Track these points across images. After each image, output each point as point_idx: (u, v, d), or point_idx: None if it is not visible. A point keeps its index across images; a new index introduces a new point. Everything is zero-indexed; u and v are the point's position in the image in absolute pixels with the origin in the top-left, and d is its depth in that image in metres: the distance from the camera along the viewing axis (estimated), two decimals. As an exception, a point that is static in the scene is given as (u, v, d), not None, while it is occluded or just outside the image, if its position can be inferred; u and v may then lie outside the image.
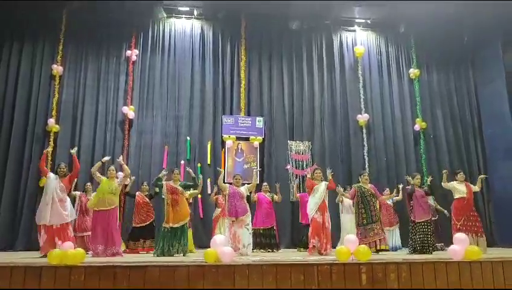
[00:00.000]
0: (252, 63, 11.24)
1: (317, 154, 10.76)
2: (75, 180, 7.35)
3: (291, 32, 11.36)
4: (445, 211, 8.82)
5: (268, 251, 8.18)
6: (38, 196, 8.67)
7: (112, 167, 6.91)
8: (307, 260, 4.91)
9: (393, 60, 11.92)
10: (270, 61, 11.34)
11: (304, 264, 4.42)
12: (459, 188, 7.36)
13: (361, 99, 11.28)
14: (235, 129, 10.59)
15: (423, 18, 10.60)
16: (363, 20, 11.72)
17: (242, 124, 10.64)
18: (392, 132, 11.30)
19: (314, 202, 6.84)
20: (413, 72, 11.68)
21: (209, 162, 10.31)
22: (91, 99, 10.36)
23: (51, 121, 9.87)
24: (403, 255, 6.82)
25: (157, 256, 6.44)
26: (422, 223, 7.14)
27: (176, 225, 6.62)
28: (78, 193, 8.26)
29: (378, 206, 7.62)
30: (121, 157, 7.40)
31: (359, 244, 5.01)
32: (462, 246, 4.88)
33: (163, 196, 6.87)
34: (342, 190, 8.22)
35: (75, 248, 4.70)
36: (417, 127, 11.29)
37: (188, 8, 11.19)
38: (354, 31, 11.88)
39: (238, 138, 10.58)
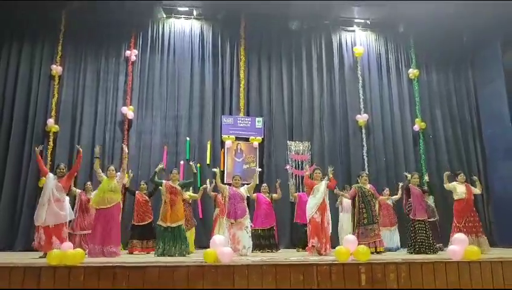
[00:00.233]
0: (251, 63, 11.23)
1: (316, 154, 10.76)
2: (75, 174, 7.35)
3: (290, 33, 11.35)
4: (437, 217, 8.72)
5: (268, 252, 8.17)
6: (38, 196, 8.60)
7: (112, 167, 6.92)
8: (307, 260, 4.91)
9: (393, 60, 11.91)
10: (270, 62, 11.33)
11: (304, 265, 4.42)
12: (459, 190, 7.38)
13: (361, 100, 11.28)
14: (234, 129, 10.59)
15: (422, 18, 10.59)
16: (363, 20, 11.71)
17: (241, 124, 10.64)
18: (391, 132, 11.30)
19: (314, 202, 6.83)
20: (413, 72, 11.68)
21: (208, 162, 10.31)
22: (90, 100, 10.36)
23: (50, 121, 9.87)
24: (402, 255, 6.82)
25: (158, 256, 6.44)
26: (422, 222, 7.14)
27: (173, 225, 6.63)
28: (78, 190, 8.25)
29: (377, 208, 7.61)
30: (125, 148, 7.34)
31: (359, 243, 5.01)
32: (461, 246, 4.89)
33: (162, 196, 6.88)
34: (340, 192, 8.26)
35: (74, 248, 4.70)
36: (416, 127, 11.29)
37: (187, 8, 11.18)
38: (354, 31, 11.87)
39: (237, 138, 10.58)
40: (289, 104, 11.12)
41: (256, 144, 10.62)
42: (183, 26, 11.28)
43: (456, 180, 7.53)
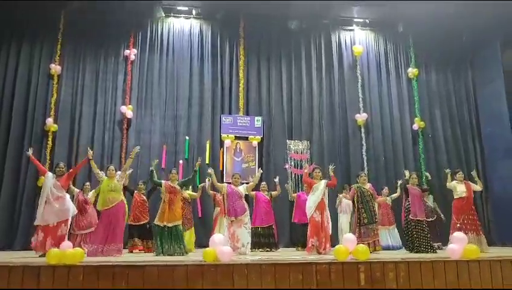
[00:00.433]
0: (250, 62, 11.23)
1: (315, 153, 10.76)
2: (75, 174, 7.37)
3: (289, 32, 11.34)
4: (442, 216, 8.84)
5: (267, 250, 8.17)
6: (37, 196, 8.66)
7: (112, 167, 6.91)
8: (306, 259, 4.91)
9: (392, 59, 11.92)
10: (269, 61, 11.33)
11: (303, 264, 4.42)
12: (458, 188, 7.39)
13: (360, 99, 11.28)
14: (233, 128, 10.58)
15: (422, 18, 10.59)
16: (362, 20, 11.71)
17: (241, 124, 10.64)
18: (390, 131, 11.31)
19: (313, 200, 6.83)
20: (412, 71, 11.68)
21: (207, 161, 10.30)
22: (89, 99, 10.35)
23: (49, 120, 9.86)
24: (401, 254, 6.82)
25: (157, 255, 6.45)
26: (421, 222, 7.15)
27: (170, 224, 6.63)
28: (76, 190, 8.23)
29: (377, 207, 7.61)
30: (137, 148, 7.26)
31: (359, 243, 5.02)
32: (460, 245, 4.89)
33: (161, 195, 6.88)
34: (340, 196, 8.32)
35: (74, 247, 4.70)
36: (416, 126, 11.30)
37: (186, 8, 11.17)
38: (353, 30, 11.87)
39: (236, 137, 10.58)
40: (288, 103, 11.12)
41: (255, 143, 10.62)
42: (183, 26, 11.27)
43: (455, 179, 7.54)
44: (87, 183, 8.43)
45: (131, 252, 7.81)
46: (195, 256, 5.87)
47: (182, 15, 11.29)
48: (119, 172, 6.97)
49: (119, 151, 10.13)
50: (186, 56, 11.00)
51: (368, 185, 7.52)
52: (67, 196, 6.62)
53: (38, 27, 10.47)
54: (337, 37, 11.79)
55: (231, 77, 11.04)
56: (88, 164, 9.26)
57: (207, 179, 8.67)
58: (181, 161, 10.11)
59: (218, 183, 7.43)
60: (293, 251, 8.55)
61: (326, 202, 7.02)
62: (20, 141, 9.75)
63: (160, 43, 11.04)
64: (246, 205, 7.11)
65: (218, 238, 4.81)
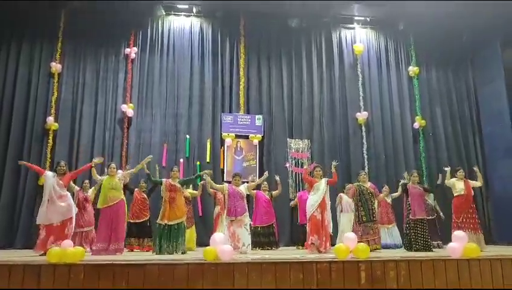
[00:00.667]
0: (251, 61, 11.22)
1: (316, 152, 10.76)
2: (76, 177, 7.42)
3: (290, 30, 11.33)
4: (441, 214, 8.87)
5: (268, 249, 8.17)
6: (38, 194, 8.69)
7: (113, 165, 6.90)
8: (306, 257, 4.91)
9: (393, 57, 11.90)
10: (269, 59, 11.31)
11: (303, 262, 4.42)
12: (458, 186, 7.40)
13: (361, 97, 11.26)
14: (234, 127, 10.58)
15: (422, 16, 10.58)
16: (363, 18, 11.69)
17: (241, 122, 10.64)
18: (391, 129, 11.30)
19: (314, 199, 6.83)
20: (413, 70, 11.66)
21: (208, 160, 10.31)
22: (90, 97, 10.36)
23: (50, 119, 9.87)
24: (402, 252, 6.82)
25: (157, 254, 6.45)
26: (419, 221, 7.16)
27: (171, 223, 6.63)
28: (77, 187, 8.23)
29: (376, 206, 7.59)
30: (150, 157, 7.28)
31: (358, 241, 5.01)
32: (460, 244, 4.89)
33: (161, 194, 6.88)
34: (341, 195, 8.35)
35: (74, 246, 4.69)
36: (416, 125, 11.29)
37: (187, 6, 11.16)
38: (354, 28, 11.86)
39: (237, 136, 10.58)
40: (289, 101, 11.11)
41: (256, 141, 10.62)
42: (183, 24, 11.26)
43: (456, 177, 7.54)
44: (87, 181, 8.44)
45: (132, 250, 7.81)
46: (195, 255, 5.87)
47: (182, 13, 11.28)
48: (120, 170, 6.96)
49: (120, 149, 10.13)
50: (186, 54, 10.99)
51: (369, 184, 7.51)
52: (69, 195, 6.62)
53: (38, 25, 10.47)
54: (337, 35, 11.78)
55: (232, 75, 11.04)
56: (90, 161, 9.36)
57: (207, 172, 8.61)
58: (181, 160, 10.12)
59: (218, 185, 7.43)
60: (294, 249, 8.55)
61: (328, 201, 7.00)
62: (21, 139, 9.78)
63: (161, 42, 11.03)
64: (246, 206, 7.07)
65: (218, 237, 4.81)
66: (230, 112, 10.81)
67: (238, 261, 4.45)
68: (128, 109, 10.27)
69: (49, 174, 6.55)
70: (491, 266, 4.60)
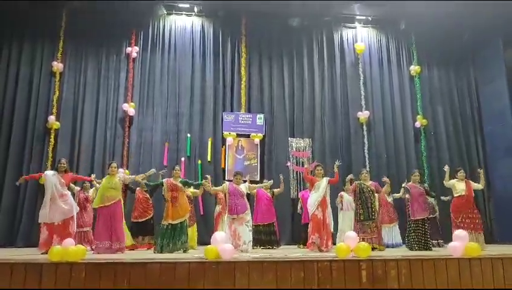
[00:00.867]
0: (252, 60, 11.22)
1: (317, 151, 10.76)
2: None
3: (291, 29, 11.33)
4: (437, 214, 8.88)
5: (269, 248, 8.18)
6: (39, 193, 8.72)
7: (114, 164, 6.89)
8: (307, 256, 4.91)
9: (394, 56, 11.88)
10: (271, 58, 11.32)
11: (304, 261, 4.41)
12: (458, 186, 7.34)
13: (362, 96, 11.26)
14: (235, 126, 10.59)
15: (424, 15, 10.57)
16: (364, 17, 11.69)
17: (242, 121, 10.64)
18: (392, 128, 11.29)
19: (315, 198, 6.82)
20: (414, 69, 11.65)
21: (209, 159, 10.32)
22: (91, 96, 10.38)
23: (52, 118, 9.89)
24: (402, 251, 6.81)
25: (158, 253, 6.45)
26: (419, 221, 7.15)
27: (175, 222, 6.64)
28: (77, 188, 8.25)
29: (377, 205, 7.56)
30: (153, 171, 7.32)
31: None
32: (461, 243, 4.89)
33: (163, 193, 6.88)
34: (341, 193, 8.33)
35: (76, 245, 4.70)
36: (418, 124, 11.28)
37: (188, 5, 11.17)
38: (355, 27, 11.85)
39: (238, 135, 10.59)
40: (290, 101, 11.12)
41: (257, 140, 10.63)
42: (184, 23, 11.27)
43: (456, 177, 7.49)
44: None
45: (133, 249, 7.82)
46: (197, 253, 5.88)
47: (183, 12, 11.29)
48: (121, 169, 6.96)
49: (121, 148, 10.14)
50: (188, 54, 11.00)
51: (370, 182, 7.46)
52: (69, 193, 6.63)
53: (40, 25, 10.50)
54: (339, 34, 11.77)
55: (233, 74, 11.04)
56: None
57: (209, 177, 8.63)
58: (183, 159, 10.13)
59: (218, 187, 7.44)
60: (295, 248, 8.56)
61: (328, 199, 7.00)
62: (23, 138, 9.81)
63: (162, 41, 11.05)
64: (247, 204, 7.08)
65: (219, 236, 4.81)
66: (231, 111, 10.81)
67: (239, 260, 4.45)
68: (130, 108, 10.29)
69: (49, 173, 6.55)
70: (492, 266, 4.59)
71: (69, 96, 10.26)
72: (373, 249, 6.81)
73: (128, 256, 5.45)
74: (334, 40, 11.66)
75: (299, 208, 9.10)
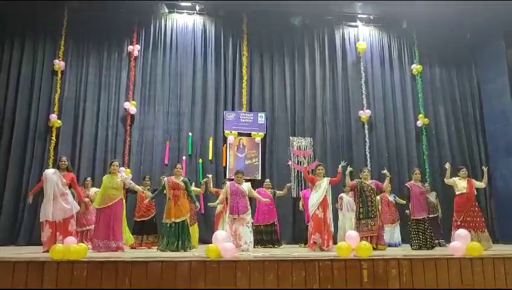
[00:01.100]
0: (254, 58, 11.22)
1: (318, 150, 10.76)
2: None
3: (293, 28, 11.33)
4: (440, 213, 8.82)
5: (270, 247, 8.18)
6: (41, 191, 8.69)
7: (116, 162, 6.87)
8: (308, 256, 4.91)
9: (396, 55, 11.86)
10: (272, 57, 11.32)
11: (305, 260, 4.42)
12: (459, 184, 7.32)
13: (364, 95, 11.25)
14: (236, 125, 10.59)
15: (426, 14, 10.55)
16: (366, 16, 11.67)
17: (244, 120, 10.65)
18: (394, 128, 11.28)
19: (315, 198, 6.82)
20: (416, 68, 11.63)
21: (210, 157, 10.32)
22: (93, 95, 10.40)
23: (53, 116, 9.91)
24: (404, 251, 6.81)
25: (161, 251, 6.46)
26: (420, 221, 7.16)
27: (177, 220, 6.64)
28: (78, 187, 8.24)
29: (377, 204, 7.55)
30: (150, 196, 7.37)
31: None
32: (463, 243, 4.88)
33: (165, 192, 6.88)
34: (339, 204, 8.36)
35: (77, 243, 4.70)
36: (419, 123, 11.26)
37: (189, 4, 11.17)
38: (357, 26, 11.83)
39: (239, 134, 10.59)
40: (291, 99, 11.11)
41: (258, 139, 10.62)
42: (186, 22, 11.27)
43: (458, 175, 7.47)
44: (89, 178, 8.47)
45: (134, 248, 7.82)
46: (198, 252, 5.89)
47: (185, 11, 11.29)
48: (122, 168, 6.95)
49: (123, 147, 10.15)
50: (189, 52, 11.00)
51: (370, 181, 7.44)
52: (70, 192, 6.63)
53: (42, 23, 10.51)
54: (340, 33, 11.75)
55: (234, 73, 11.04)
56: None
57: (210, 175, 8.65)
58: (184, 157, 10.14)
59: (221, 193, 7.47)
60: (296, 247, 8.56)
61: (329, 199, 6.99)
62: (24, 137, 9.82)
63: (164, 40, 11.04)
64: (248, 204, 7.06)
65: (221, 235, 4.81)
66: (232, 109, 10.81)
67: (240, 259, 4.45)
68: (131, 107, 10.30)
69: (49, 171, 6.54)
70: (494, 265, 4.59)
71: (71, 94, 10.27)
72: (374, 248, 6.83)
73: (129, 255, 5.46)
74: (335, 39, 11.65)
75: (300, 205, 9.09)
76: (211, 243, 4.72)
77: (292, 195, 10.16)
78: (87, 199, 7.99)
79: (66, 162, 6.64)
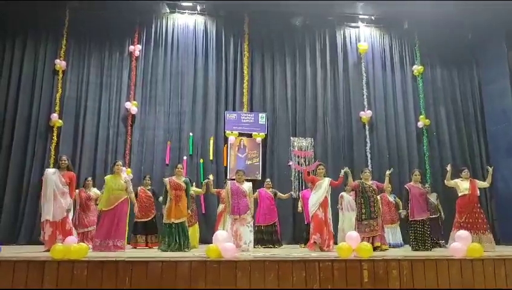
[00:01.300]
0: (255, 59, 11.21)
1: (319, 150, 10.75)
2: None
3: (294, 29, 11.32)
4: (442, 214, 8.83)
5: (270, 247, 8.18)
6: (41, 190, 8.71)
7: (120, 162, 6.86)
8: (309, 256, 4.91)
9: (397, 56, 11.84)
10: (273, 58, 11.30)
11: (306, 261, 4.42)
12: (462, 186, 7.27)
13: (365, 96, 11.24)
14: (237, 125, 10.59)
15: (427, 15, 10.53)
16: (367, 17, 11.65)
17: (245, 120, 10.64)
18: (395, 128, 11.25)
19: (315, 198, 6.82)
20: (417, 68, 11.61)
21: (211, 157, 10.32)
22: (94, 95, 10.40)
23: (54, 116, 9.91)
24: (404, 252, 6.81)
25: (163, 251, 6.46)
26: (419, 222, 7.14)
27: (177, 221, 6.65)
28: (77, 190, 8.23)
29: (379, 204, 7.54)
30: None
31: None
32: (464, 244, 4.88)
33: (167, 193, 6.87)
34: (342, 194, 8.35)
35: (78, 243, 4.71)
36: (420, 124, 11.24)
37: (191, 4, 11.17)
38: (358, 27, 11.82)
39: (240, 134, 10.58)
40: (292, 100, 11.10)
41: (259, 139, 10.62)
42: (187, 22, 11.26)
43: (460, 177, 7.43)
44: (89, 178, 8.45)
45: (135, 248, 7.83)
46: (198, 252, 5.89)
47: (186, 11, 11.28)
48: (123, 168, 6.94)
49: (124, 147, 10.15)
50: (190, 52, 11.00)
51: (371, 182, 7.43)
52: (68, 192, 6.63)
53: (43, 23, 10.51)
54: (342, 34, 11.73)
55: (235, 73, 11.04)
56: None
57: (210, 175, 8.65)
58: (185, 157, 10.13)
59: (217, 190, 7.48)
60: (297, 248, 8.56)
61: (329, 199, 6.99)
62: (25, 136, 9.83)
63: (165, 39, 11.04)
64: (249, 204, 7.05)
65: (221, 235, 4.82)
66: (233, 110, 10.81)
67: (240, 259, 4.46)
68: (132, 107, 10.30)
69: (49, 171, 6.55)
70: (495, 266, 4.59)
71: (72, 94, 10.27)
72: (376, 248, 6.84)
73: (130, 254, 5.46)
74: (336, 40, 11.63)
75: (299, 206, 9.08)
76: (212, 243, 4.72)
77: (293, 196, 10.15)
78: (91, 193, 8.04)
79: (66, 161, 6.64)
